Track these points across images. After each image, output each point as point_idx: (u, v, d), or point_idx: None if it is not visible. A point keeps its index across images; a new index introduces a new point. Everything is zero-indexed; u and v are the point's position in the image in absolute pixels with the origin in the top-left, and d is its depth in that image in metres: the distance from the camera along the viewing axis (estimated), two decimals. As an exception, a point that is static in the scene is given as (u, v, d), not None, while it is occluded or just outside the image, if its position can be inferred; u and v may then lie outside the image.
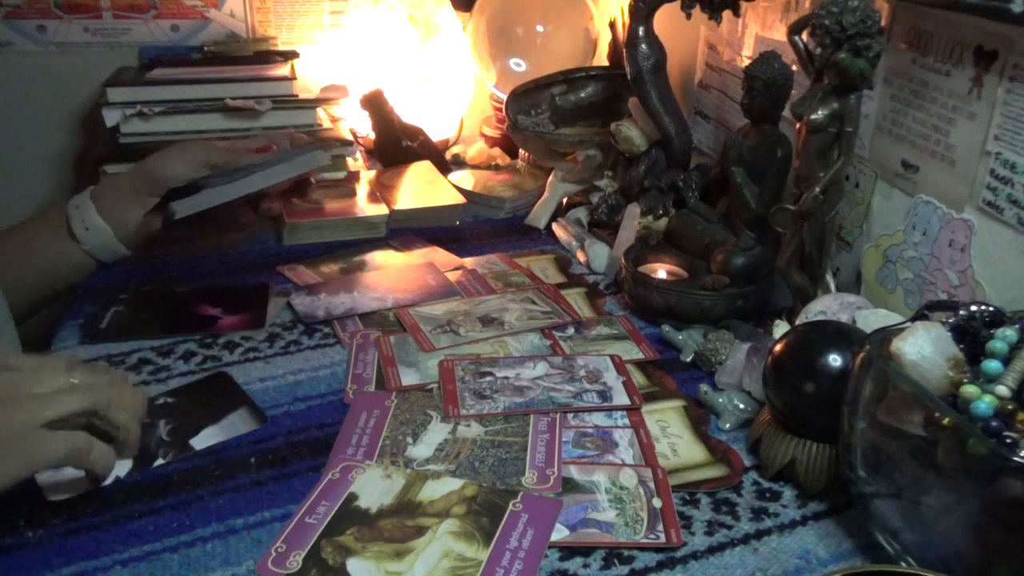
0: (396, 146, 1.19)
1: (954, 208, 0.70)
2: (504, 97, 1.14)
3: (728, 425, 0.69)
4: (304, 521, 0.56)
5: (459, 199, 1.08)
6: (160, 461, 0.63)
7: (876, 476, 0.54)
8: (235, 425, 0.68)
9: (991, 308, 0.54)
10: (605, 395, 0.71)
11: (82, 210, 0.85)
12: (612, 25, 1.08)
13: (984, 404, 0.47)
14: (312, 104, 1.15)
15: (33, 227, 0.87)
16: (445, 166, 1.21)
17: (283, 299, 0.86)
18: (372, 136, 1.21)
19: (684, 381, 0.75)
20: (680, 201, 0.93)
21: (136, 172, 0.87)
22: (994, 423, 0.46)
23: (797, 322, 0.72)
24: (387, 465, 0.62)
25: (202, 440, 0.66)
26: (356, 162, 1.17)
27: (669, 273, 0.88)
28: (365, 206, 1.05)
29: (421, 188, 1.11)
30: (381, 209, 1.04)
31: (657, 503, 0.59)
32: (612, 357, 0.76)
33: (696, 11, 0.89)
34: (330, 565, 0.53)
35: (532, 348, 0.79)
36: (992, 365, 0.50)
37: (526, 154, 1.20)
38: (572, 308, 0.85)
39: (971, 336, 0.53)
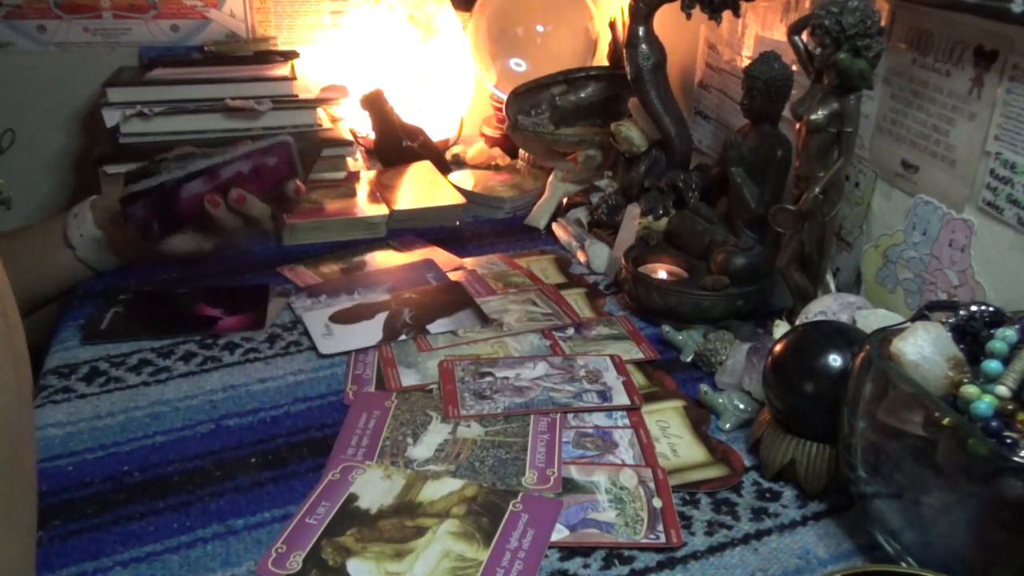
0: (396, 146, 1.18)
1: (954, 208, 0.70)
2: (504, 97, 1.14)
3: (728, 425, 0.69)
4: (304, 522, 0.56)
5: (459, 199, 1.07)
6: (403, 337, 0.78)
7: (876, 476, 0.54)
8: (462, 320, 0.81)
9: (991, 308, 0.54)
10: (605, 395, 0.71)
11: (80, 219, 0.86)
12: (612, 25, 1.08)
13: (984, 404, 0.47)
14: (312, 104, 1.15)
15: (31, 233, 0.88)
16: (445, 166, 1.21)
17: (283, 300, 0.86)
18: (372, 136, 1.21)
19: (684, 381, 0.75)
20: (680, 201, 0.93)
21: None
22: (994, 423, 0.46)
23: (797, 322, 0.72)
24: (387, 465, 0.62)
25: (436, 327, 0.80)
26: (356, 162, 1.17)
27: (669, 273, 0.88)
28: (365, 206, 1.05)
29: (421, 188, 1.11)
30: (381, 209, 1.04)
31: (657, 503, 0.59)
32: (612, 357, 0.76)
33: (696, 11, 0.89)
34: (330, 566, 0.53)
35: (532, 348, 0.79)
36: (992, 365, 0.50)
37: (526, 154, 1.20)
38: (572, 309, 0.85)
39: (971, 336, 0.53)
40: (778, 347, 0.63)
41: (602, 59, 1.20)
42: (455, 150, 1.28)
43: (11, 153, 1.24)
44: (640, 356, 0.78)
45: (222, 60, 1.20)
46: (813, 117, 0.71)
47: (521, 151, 1.21)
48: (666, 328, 0.82)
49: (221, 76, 1.10)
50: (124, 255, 0.88)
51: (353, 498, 0.59)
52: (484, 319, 0.82)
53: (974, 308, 0.54)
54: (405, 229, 1.04)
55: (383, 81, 1.20)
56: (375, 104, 1.17)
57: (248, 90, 1.08)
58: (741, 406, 0.70)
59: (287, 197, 0.87)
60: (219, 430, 0.67)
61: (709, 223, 0.89)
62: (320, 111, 1.17)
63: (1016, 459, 0.44)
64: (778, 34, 0.90)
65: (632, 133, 0.98)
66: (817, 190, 0.73)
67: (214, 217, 0.83)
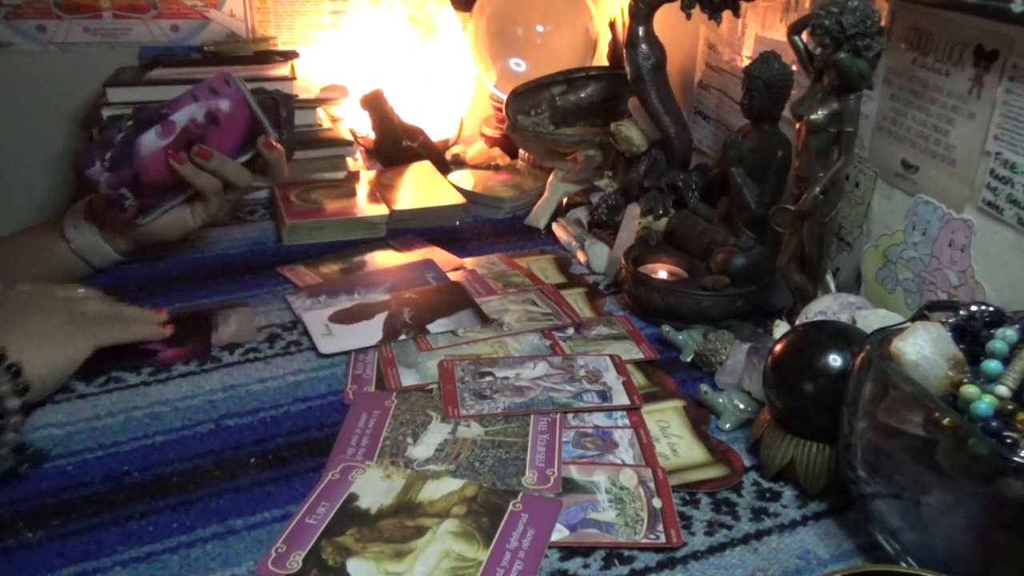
0: (396, 146, 1.19)
1: (954, 208, 0.70)
2: (504, 97, 1.14)
3: (728, 425, 0.69)
4: (304, 521, 0.56)
5: (459, 199, 1.08)
6: (403, 337, 0.78)
7: (876, 476, 0.54)
8: (462, 320, 0.81)
9: (991, 308, 0.54)
10: (605, 395, 0.71)
11: (75, 211, 0.88)
12: (612, 25, 1.08)
13: (984, 404, 0.47)
14: (312, 104, 1.15)
15: (36, 229, 0.89)
16: (445, 166, 1.21)
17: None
18: (372, 136, 1.21)
19: (684, 381, 0.75)
20: (680, 201, 0.93)
21: None
22: (994, 423, 0.46)
23: (797, 322, 0.71)
24: (387, 465, 0.62)
25: (436, 327, 0.80)
26: (356, 162, 1.17)
27: (669, 273, 0.88)
28: (365, 206, 1.05)
29: (421, 188, 1.11)
30: (381, 209, 1.04)
31: (657, 503, 0.59)
32: (612, 357, 0.76)
33: (696, 11, 0.89)
34: (330, 565, 0.53)
35: (532, 348, 0.79)
36: (992, 365, 0.50)
37: (526, 154, 1.20)
38: (572, 309, 0.85)
39: (971, 336, 0.53)
40: (778, 347, 0.63)
41: (602, 59, 1.20)
42: (455, 150, 1.28)
43: (11, 153, 1.24)
44: (640, 356, 0.78)
45: (222, 60, 1.20)
46: (813, 117, 0.71)
47: (521, 151, 1.21)
48: (666, 328, 0.81)
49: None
50: (116, 246, 0.89)
51: (353, 498, 0.59)
52: (484, 319, 0.82)
53: (974, 308, 0.54)
54: (405, 229, 1.04)
55: (383, 81, 1.20)
56: (375, 104, 1.17)
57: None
58: (741, 406, 0.70)
59: (263, 157, 0.86)
60: (219, 430, 0.67)
61: (709, 223, 0.89)
62: (320, 111, 1.17)
63: (1016, 459, 0.44)
64: (778, 34, 0.90)
65: (632, 133, 0.98)
66: (817, 190, 0.73)
67: (187, 179, 0.83)
